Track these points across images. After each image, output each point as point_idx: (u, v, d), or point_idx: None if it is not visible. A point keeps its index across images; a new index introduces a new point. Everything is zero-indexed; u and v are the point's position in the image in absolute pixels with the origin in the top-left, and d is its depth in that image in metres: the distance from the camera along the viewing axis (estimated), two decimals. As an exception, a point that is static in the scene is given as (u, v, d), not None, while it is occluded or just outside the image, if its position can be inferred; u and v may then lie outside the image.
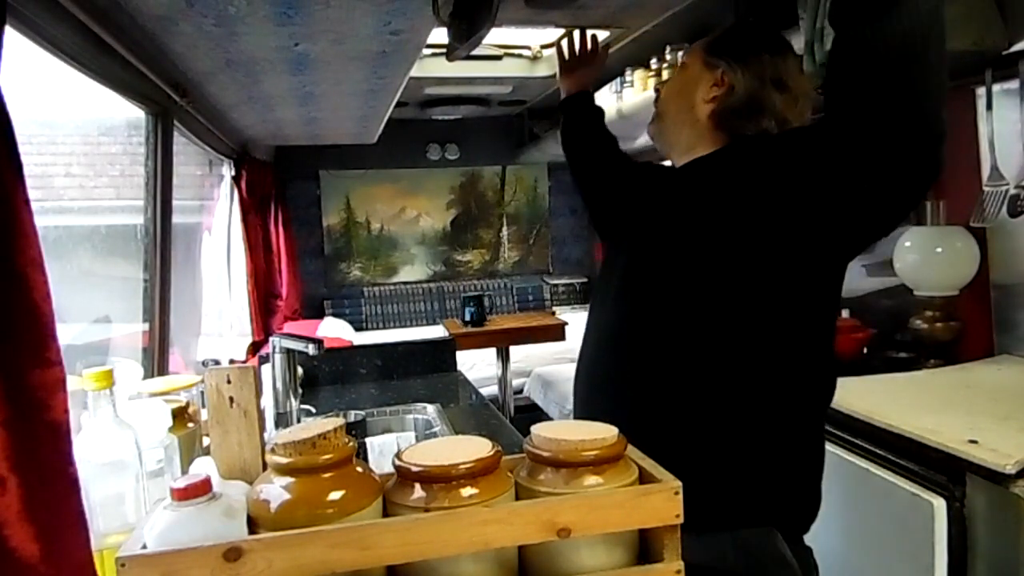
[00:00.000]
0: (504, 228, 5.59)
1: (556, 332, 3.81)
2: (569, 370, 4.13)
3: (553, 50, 3.43)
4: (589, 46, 1.68)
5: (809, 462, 1.15)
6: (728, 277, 1.08)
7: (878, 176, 0.95)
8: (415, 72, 2.27)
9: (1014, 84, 1.84)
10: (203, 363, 2.96)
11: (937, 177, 0.97)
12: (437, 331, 4.17)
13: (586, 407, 1.27)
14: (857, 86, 0.94)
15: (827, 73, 1.01)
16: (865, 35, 0.92)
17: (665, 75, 2.84)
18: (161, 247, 2.02)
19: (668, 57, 2.75)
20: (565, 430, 0.79)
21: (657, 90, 1.33)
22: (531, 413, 3.93)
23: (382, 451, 1.58)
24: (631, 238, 1.26)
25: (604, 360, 1.24)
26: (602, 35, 2.74)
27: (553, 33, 3.21)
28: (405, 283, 5.38)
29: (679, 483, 0.75)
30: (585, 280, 5.68)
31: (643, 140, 3.52)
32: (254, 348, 3.28)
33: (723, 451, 1.08)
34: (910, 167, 0.95)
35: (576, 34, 1.70)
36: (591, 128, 1.60)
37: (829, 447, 1.65)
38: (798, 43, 1.68)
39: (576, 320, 4.31)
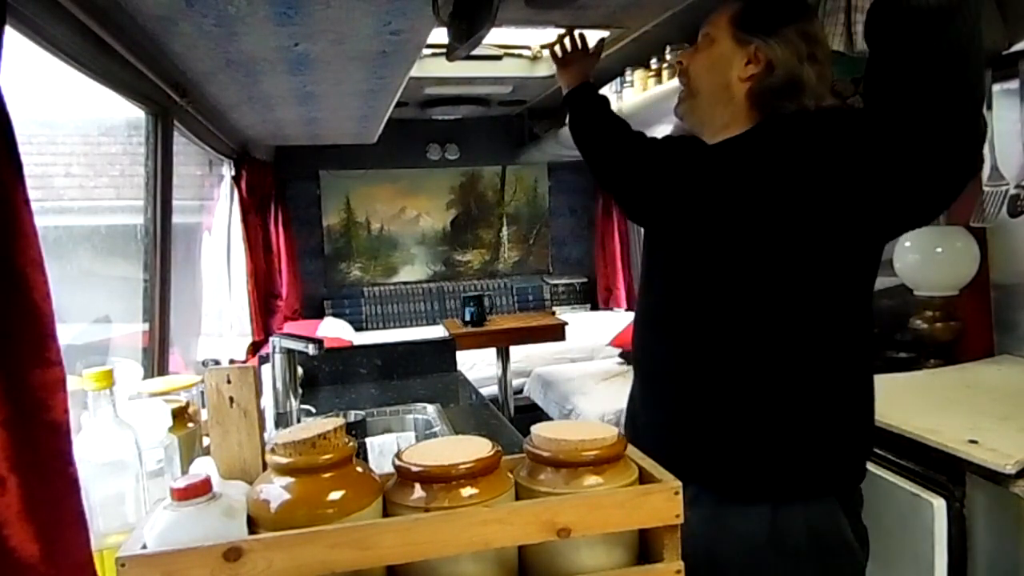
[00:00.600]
0: (504, 228, 5.59)
1: (556, 332, 3.81)
2: (569, 370, 4.12)
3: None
4: (580, 45, 1.68)
5: (862, 422, 1.16)
6: (768, 255, 1.09)
7: (924, 173, 0.97)
8: (415, 72, 2.27)
9: (1014, 84, 1.84)
10: (203, 363, 2.96)
11: (976, 172, 0.98)
12: (437, 331, 4.17)
13: (647, 395, 1.27)
14: (909, 92, 0.95)
15: (873, 78, 1.01)
16: (923, 46, 0.93)
17: (665, 75, 2.84)
18: (161, 247, 2.02)
19: (668, 57, 2.75)
20: (565, 430, 0.79)
21: (680, 63, 1.26)
22: (531, 413, 3.92)
23: (382, 451, 1.58)
24: (668, 218, 1.25)
25: (656, 343, 1.24)
26: (600, 34, 2.74)
27: (553, 33, 3.22)
28: (405, 283, 5.38)
29: (679, 483, 0.75)
30: (585, 280, 5.68)
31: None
32: (254, 348, 3.28)
33: (780, 421, 1.09)
34: (955, 164, 0.96)
35: (567, 36, 1.70)
36: (599, 116, 1.56)
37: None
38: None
39: (576, 320, 4.32)
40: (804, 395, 1.10)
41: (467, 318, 3.82)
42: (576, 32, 1.71)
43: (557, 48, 1.69)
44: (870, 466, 1.53)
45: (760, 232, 1.09)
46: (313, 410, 1.82)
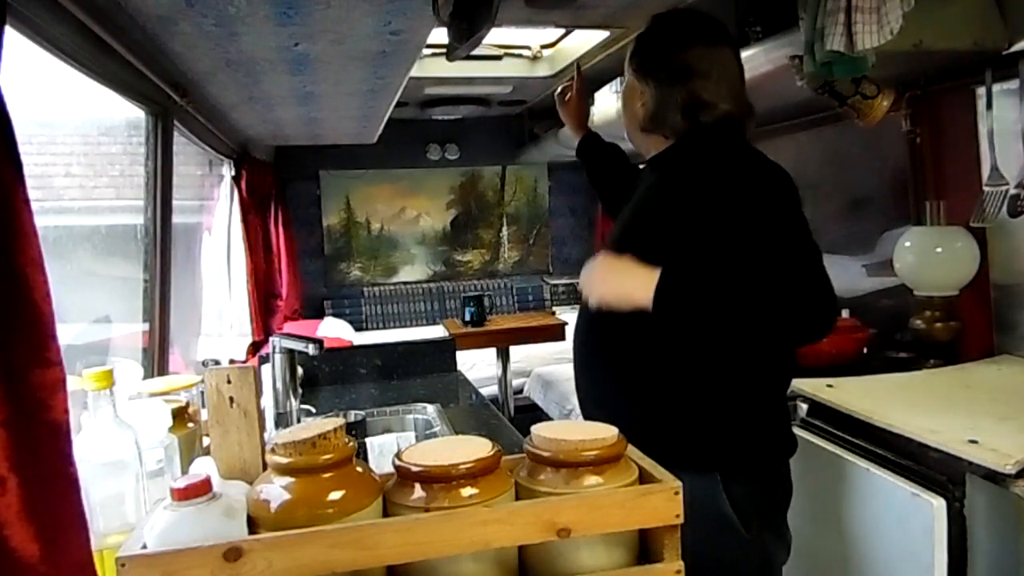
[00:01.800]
0: (504, 228, 5.59)
1: (556, 332, 3.81)
2: (569, 370, 4.14)
3: (552, 51, 3.44)
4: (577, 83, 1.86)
5: (761, 418, 1.31)
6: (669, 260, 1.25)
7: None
8: (415, 72, 2.27)
9: (1014, 84, 1.84)
10: (203, 363, 2.96)
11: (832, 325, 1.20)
12: (437, 331, 4.17)
13: (579, 384, 1.47)
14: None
15: None
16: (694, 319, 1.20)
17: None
18: (161, 247, 2.02)
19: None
20: (565, 430, 0.79)
21: None
22: (531, 413, 3.92)
23: (382, 451, 1.58)
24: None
25: (588, 337, 1.43)
26: (602, 35, 2.74)
27: (553, 33, 3.21)
28: (405, 283, 5.38)
29: (679, 483, 0.75)
30: (585, 280, 5.67)
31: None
32: (254, 348, 3.28)
33: (679, 406, 1.27)
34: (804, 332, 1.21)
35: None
36: (612, 167, 1.82)
37: (829, 447, 1.65)
38: (798, 43, 1.68)
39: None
40: (692, 389, 1.27)
41: (467, 318, 3.82)
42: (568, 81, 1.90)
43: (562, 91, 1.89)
44: (870, 466, 1.54)
45: (661, 240, 1.26)
46: (313, 410, 1.82)
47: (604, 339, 1.37)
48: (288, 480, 0.72)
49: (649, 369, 1.30)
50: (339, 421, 0.76)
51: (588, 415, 1.42)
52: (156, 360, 1.99)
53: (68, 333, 1.79)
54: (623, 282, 1.19)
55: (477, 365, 4.12)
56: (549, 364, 4.28)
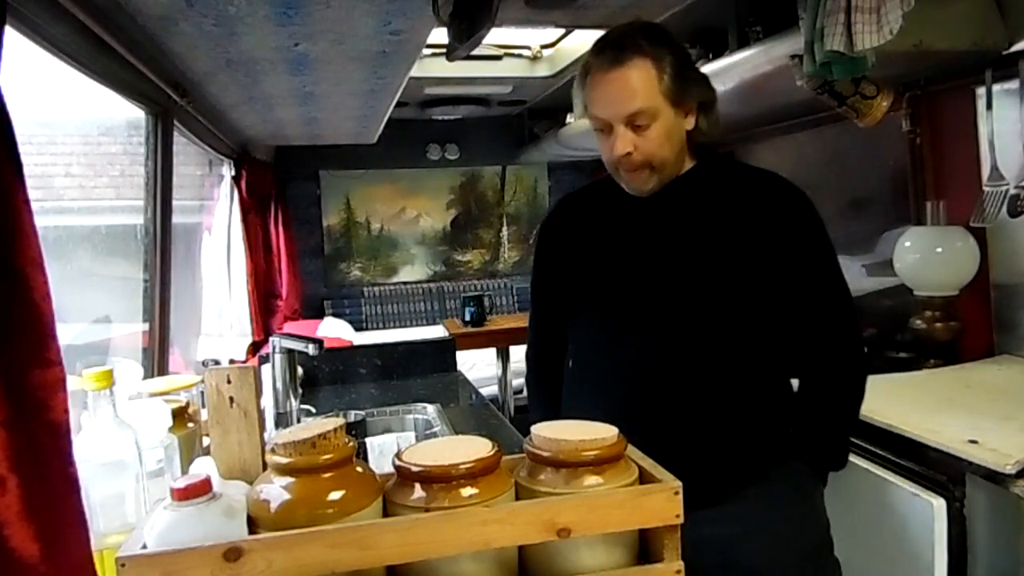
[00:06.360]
0: (504, 228, 5.59)
1: (556, 332, 3.80)
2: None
3: (552, 51, 3.44)
4: None
5: None
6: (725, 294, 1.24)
7: None
8: (415, 72, 2.27)
9: (1014, 84, 1.84)
10: (203, 363, 2.96)
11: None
12: (437, 331, 4.17)
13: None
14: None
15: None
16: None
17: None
18: (161, 247, 2.02)
19: (668, 57, 2.74)
20: (565, 430, 0.79)
21: (629, 154, 1.20)
22: (531, 413, 3.92)
23: (382, 451, 1.58)
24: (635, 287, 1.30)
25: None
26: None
27: (553, 33, 3.21)
28: (405, 283, 5.38)
29: (679, 483, 0.75)
30: (585, 280, 5.67)
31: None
32: (254, 348, 3.28)
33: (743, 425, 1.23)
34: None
35: None
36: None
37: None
38: (798, 43, 1.68)
39: (576, 320, 4.30)
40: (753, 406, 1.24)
41: (467, 318, 3.82)
42: None
43: None
44: (870, 466, 1.54)
45: (717, 271, 1.22)
46: (313, 410, 1.82)
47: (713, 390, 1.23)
48: (288, 480, 0.71)
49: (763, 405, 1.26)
50: (339, 421, 0.76)
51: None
52: (156, 360, 1.99)
53: (68, 333, 1.79)
54: None
55: (477, 365, 4.12)
56: (549, 364, 4.28)
